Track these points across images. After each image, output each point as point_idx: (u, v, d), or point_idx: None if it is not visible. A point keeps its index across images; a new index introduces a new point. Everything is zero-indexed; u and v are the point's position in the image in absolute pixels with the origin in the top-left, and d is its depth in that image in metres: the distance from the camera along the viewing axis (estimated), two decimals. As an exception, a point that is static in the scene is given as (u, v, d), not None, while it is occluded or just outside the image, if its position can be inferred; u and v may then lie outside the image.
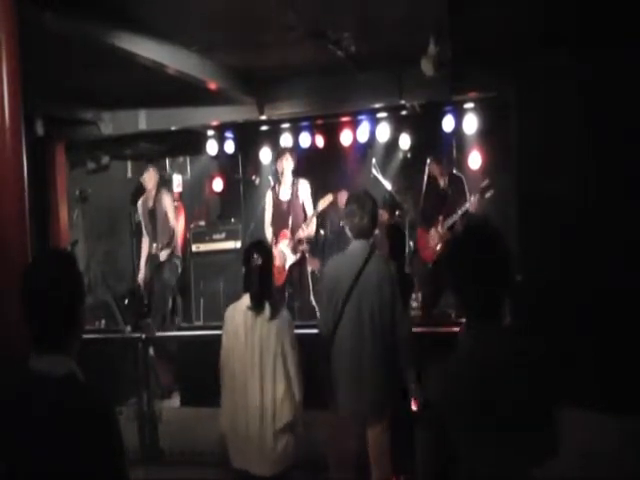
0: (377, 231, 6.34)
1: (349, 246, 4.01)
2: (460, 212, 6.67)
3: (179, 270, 7.50)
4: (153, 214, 7.31)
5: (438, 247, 6.83)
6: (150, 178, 7.33)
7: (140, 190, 7.72)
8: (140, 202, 7.48)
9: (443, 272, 2.28)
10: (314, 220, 6.71)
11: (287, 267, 6.72)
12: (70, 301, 1.91)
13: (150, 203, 7.34)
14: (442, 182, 7.01)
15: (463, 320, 2.09)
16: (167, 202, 7.33)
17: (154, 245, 7.25)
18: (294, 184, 6.80)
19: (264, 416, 3.58)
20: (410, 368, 3.90)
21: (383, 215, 7.54)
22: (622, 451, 4.19)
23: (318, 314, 3.99)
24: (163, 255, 7.21)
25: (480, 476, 1.94)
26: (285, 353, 3.64)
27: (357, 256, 3.90)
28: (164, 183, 7.96)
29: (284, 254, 6.70)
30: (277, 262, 6.60)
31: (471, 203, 6.62)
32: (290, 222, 6.70)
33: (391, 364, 3.90)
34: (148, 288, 7.28)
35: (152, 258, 7.28)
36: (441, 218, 6.85)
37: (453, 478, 1.95)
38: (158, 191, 7.36)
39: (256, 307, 3.66)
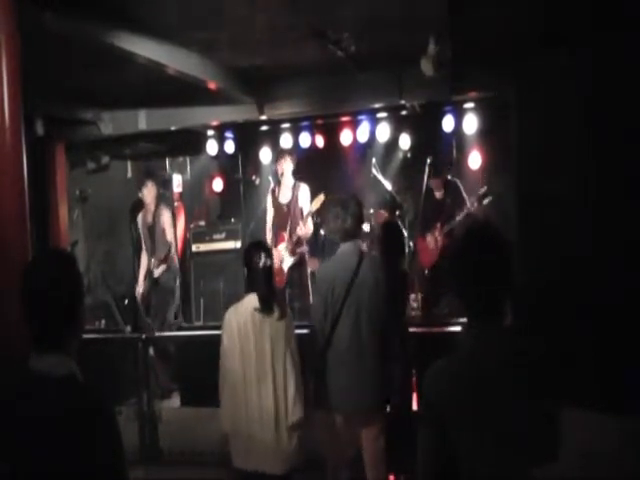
0: (377, 231, 6.37)
1: (338, 250, 4.01)
2: (458, 219, 6.69)
3: (177, 283, 7.44)
4: (152, 229, 7.23)
5: (436, 252, 6.86)
6: (149, 193, 7.25)
7: (139, 204, 7.67)
8: (140, 217, 7.42)
9: (444, 273, 2.29)
10: (310, 220, 6.72)
11: (285, 269, 6.73)
12: (70, 301, 1.91)
13: (149, 218, 7.28)
14: (438, 193, 7.04)
15: (463, 320, 2.09)
16: (166, 218, 7.24)
17: (152, 261, 7.19)
18: (294, 187, 6.81)
19: (278, 415, 3.61)
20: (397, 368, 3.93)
21: (383, 215, 7.56)
22: (622, 451, 4.20)
23: (311, 315, 3.98)
24: (159, 271, 7.13)
25: (480, 476, 1.94)
26: (293, 352, 3.69)
27: (349, 258, 3.90)
28: (163, 199, 7.88)
29: (283, 256, 6.72)
30: (276, 264, 6.61)
31: (469, 209, 6.64)
32: (289, 225, 6.72)
33: (388, 363, 3.91)
34: (146, 302, 7.23)
35: (150, 273, 7.23)
36: (439, 225, 6.88)
37: (453, 478, 1.95)
38: (157, 206, 7.29)
39: (265, 308, 3.66)
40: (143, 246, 7.37)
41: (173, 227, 7.45)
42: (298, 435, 3.67)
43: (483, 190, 6.68)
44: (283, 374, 3.64)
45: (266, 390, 3.62)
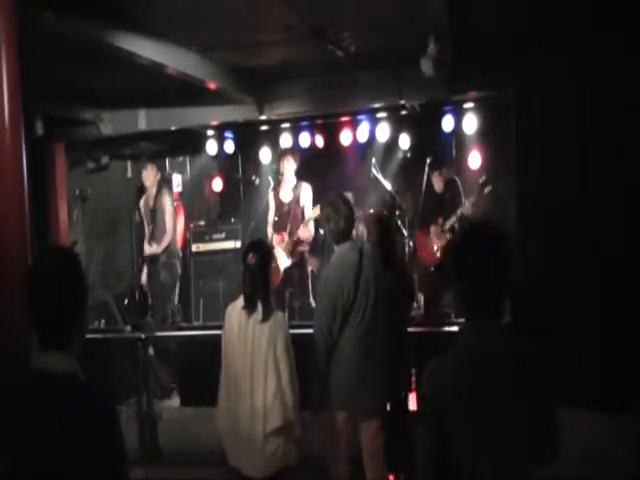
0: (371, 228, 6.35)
1: (337, 252, 3.99)
2: (458, 214, 6.72)
3: (178, 270, 7.45)
4: (154, 213, 7.27)
5: (438, 249, 6.87)
6: (148, 176, 7.31)
7: (142, 190, 7.70)
8: (142, 202, 7.47)
9: (445, 271, 2.30)
10: (310, 225, 6.71)
11: (282, 269, 6.72)
12: (73, 299, 1.91)
13: (151, 202, 7.32)
14: (438, 186, 7.07)
15: (463, 320, 2.10)
16: (166, 201, 7.28)
17: (153, 244, 7.22)
18: (296, 187, 6.81)
19: (254, 418, 3.56)
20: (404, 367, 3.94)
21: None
22: (621, 451, 4.20)
23: (315, 316, 3.96)
24: (157, 253, 7.15)
25: (479, 474, 1.94)
26: (277, 356, 3.60)
27: (350, 258, 3.88)
28: (165, 182, 7.88)
29: (280, 256, 6.71)
30: (273, 264, 6.59)
31: (470, 202, 6.69)
32: (289, 225, 6.71)
33: (393, 362, 3.92)
34: (148, 288, 7.25)
35: (150, 258, 7.25)
36: (440, 221, 6.89)
37: (452, 476, 1.95)
38: (159, 190, 7.33)
39: (248, 306, 3.65)
40: (146, 231, 7.39)
41: (173, 214, 7.40)
42: (277, 441, 3.58)
43: (482, 179, 6.74)
44: (263, 377, 3.56)
45: (245, 392, 3.59)
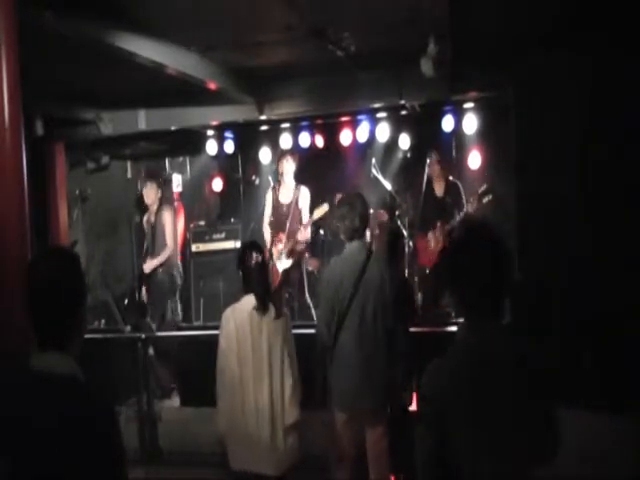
0: (377, 231, 6.38)
1: (345, 249, 4.01)
2: (458, 218, 6.72)
3: (178, 282, 7.28)
4: (154, 230, 7.14)
5: (436, 251, 6.87)
6: (149, 194, 7.15)
7: (142, 201, 7.61)
8: (145, 219, 7.39)
9: (443, 272, 2.29)
10: (309, 227, 6.70)
11: (280, 271, 6.71)
12: (72, 300, 1.91)
13: (152, 218, 7.22)
14: (439, 189, 7.07)
15: (463, 320, 2.10)
16: (167, 217, 7.08)
17: (151, 260, 7.08)
18: (296, 190, 6.80)
19: (274, 415, 3.62)
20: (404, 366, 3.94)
21: (383, 215, 7.56)
22: (620, 451, 4.20)
23: (316, 317, 3.99)
24: (156, 265, 7.00)
25: (479, 473, 1.94)
26: (291, 352, 3.71)
27: (356, 257, 3.90)
28: (166, 200, 7.71)
29: (278, 257, 6.70)
30: (271, 265, 6.59)
31: (469, 208, 6.68)
32: (287, 227, 6.71)
33: (394, 362, 3.92)
34: (147, 302, 7.17)
35: (148, 274, 7.07)
36: (439, 224, 6.89)
37: (452, 477, 1.95)
38: (159, 207, 7.19)
39: (262, 306, 3.67)
40: (145, 247, 7.31)
41: (174, 229, 7.29)
42: (294, 436, 3.69)
43: (483, 188, 6.72)
44: (280, 375, 3.65)
45: (262, 390, 3.63)
